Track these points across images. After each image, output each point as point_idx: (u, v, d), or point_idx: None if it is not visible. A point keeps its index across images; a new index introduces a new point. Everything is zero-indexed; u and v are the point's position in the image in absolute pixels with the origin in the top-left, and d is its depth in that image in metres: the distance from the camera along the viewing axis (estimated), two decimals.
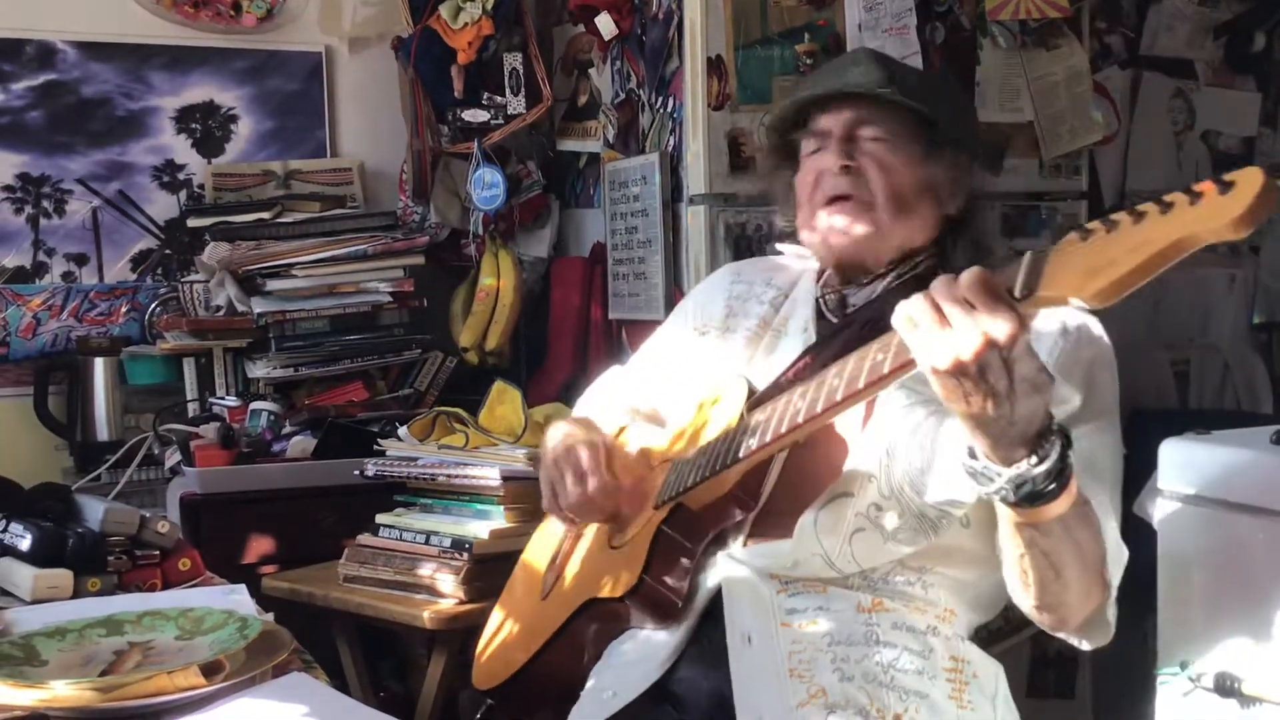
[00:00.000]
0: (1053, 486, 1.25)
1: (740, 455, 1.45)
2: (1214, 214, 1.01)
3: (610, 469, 1.65)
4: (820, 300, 1.69)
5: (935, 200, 1.66)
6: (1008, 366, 1.18)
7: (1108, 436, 1.50)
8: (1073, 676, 2.87)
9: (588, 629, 1.61)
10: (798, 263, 1.78)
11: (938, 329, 1.17)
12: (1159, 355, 3.40)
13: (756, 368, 1.67)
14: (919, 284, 1.54)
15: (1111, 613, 1.45)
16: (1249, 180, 1.00)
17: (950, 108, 1.70)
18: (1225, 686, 1.65)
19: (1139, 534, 1.80)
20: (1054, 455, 1.24)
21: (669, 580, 1.51)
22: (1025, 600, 1.43)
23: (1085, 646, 1.49)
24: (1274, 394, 3.53)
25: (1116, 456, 1.51)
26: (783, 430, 1.39)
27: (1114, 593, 1.45)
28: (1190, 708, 1.70)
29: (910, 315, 1.20)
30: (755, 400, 1.55)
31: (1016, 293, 1.13)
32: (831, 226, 1.65)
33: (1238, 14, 3.45)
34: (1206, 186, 1.02)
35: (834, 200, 1.64)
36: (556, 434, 1.73)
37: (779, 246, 1.83)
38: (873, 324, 1.55)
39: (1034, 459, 1.23)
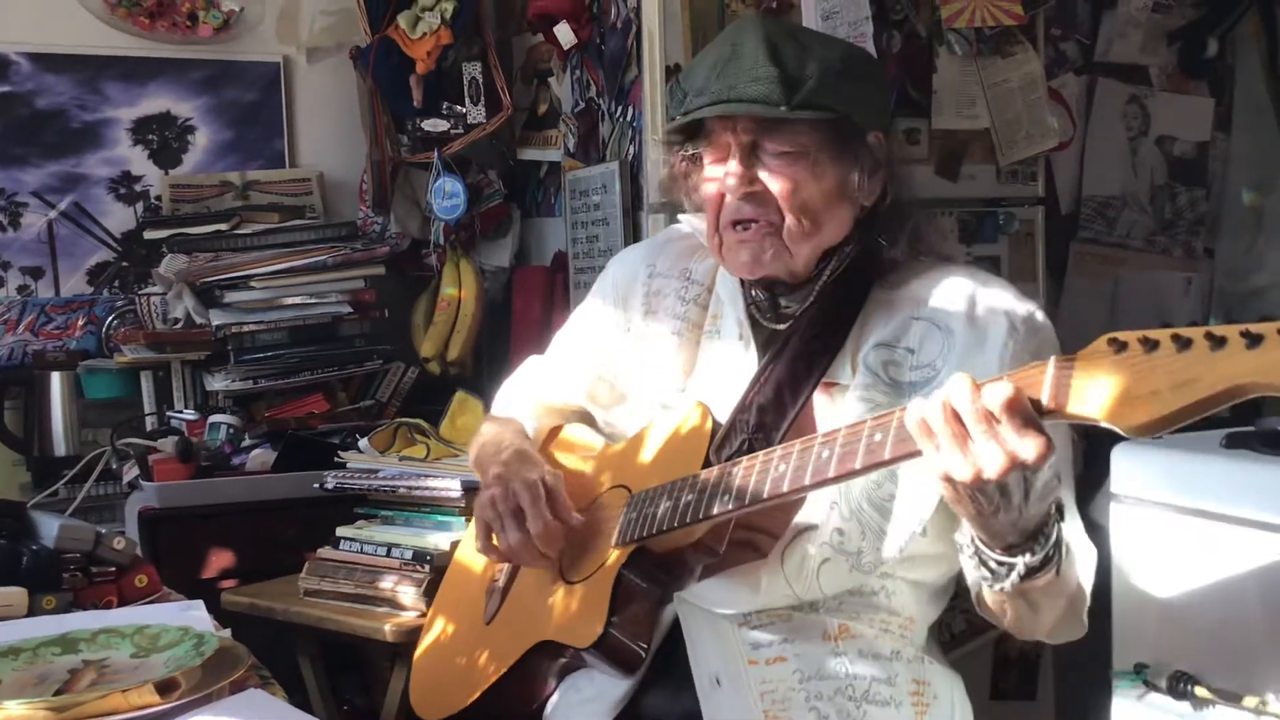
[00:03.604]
0: (1047, 563, 1.25)
1: (715, 513, 1.38)
2: (1277, 366, 0.94)
3: (553, 508, 1.55)
4: (750, 305, 1.59)
5: (849, 201, 1.52)
6: (1027, 482, 1.16)
7: (1060, 432, 1.43)
8: (1035, 678, 2.90)
9: (541, 668, 1.56)
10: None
11: (958, 442, 1.13)
12: None
13: (701, 380, 1.62)
14: (849, 277, 1.53)
15: (1085, 613, 1.45)
16: None
17: (859, 91, 1.50)
18: (1179, 689, 1.67)
19: (1095, 538, 1.81)
20: (1052, 540, 1.23)
21: (633, 631, 1.45)
22: (998, 622, 1.44)
23: (1054, 642, 1.50)
24: None
25: (1068, 445, 1.48)
26: (764, 495, 1.33)
27: (1088, 594, 1.45)
28: (1145, 710, 1.72)
29: (926, 422, 1.15)
30: (720, 438, 1.49)
31: (1044, 404, 1.08)
32: (738, 260, 1.53)
33: (1190, 20, 3.49)
34: (1268, 330, 0.95)
35: (738, 223, 1.52)
36: (491, 466, 1.64)
37: (683, 219, 1.72)
38: (813, 327, 1.53)
39: (1034, 548, 1.23)
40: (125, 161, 3.18)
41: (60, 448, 2.92)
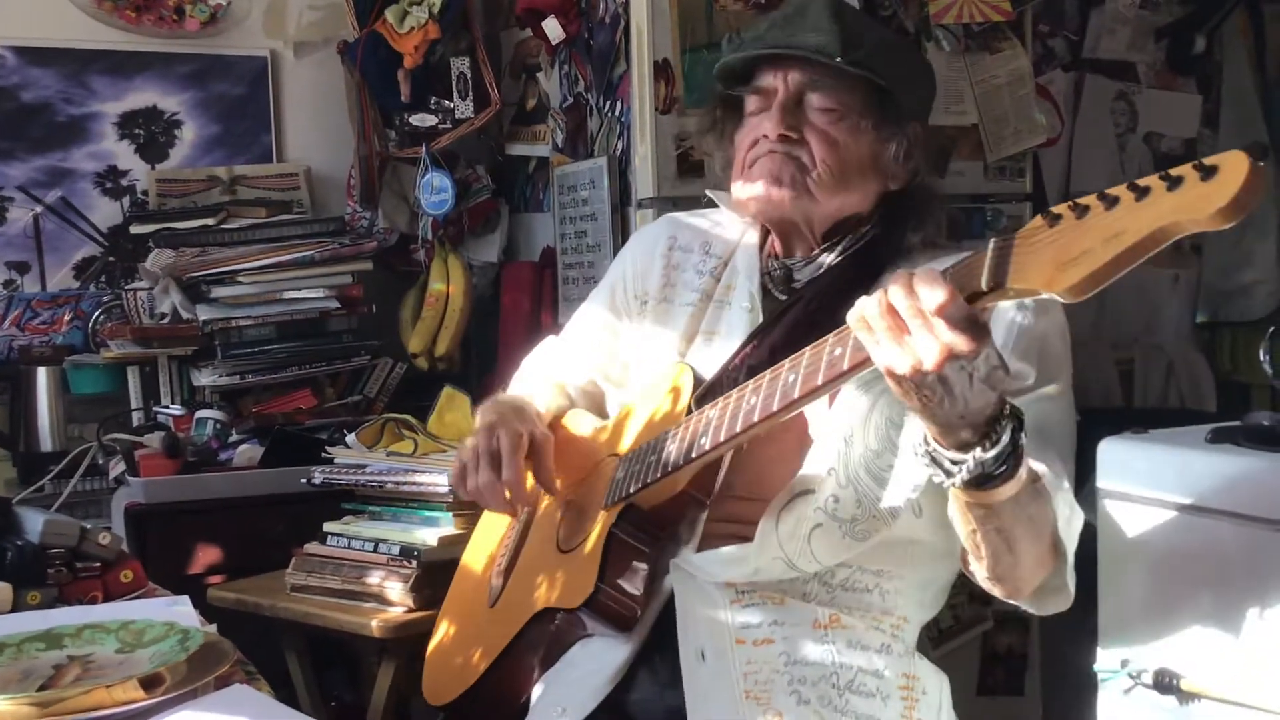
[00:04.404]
0: (1003, 469, 1.23)
1: (694, 455, 1.41)
2: (1196, 202, 0.94)
3: (535, 465, 1.59)
4: (765, 275, 1.61)
5: (879, 174, 1.56)
6: (967, 372, 1.16)
7: (1060, 402, 1.46)
8: (1022, 674, 2.91)
9: (541, 639, 1.57)
10: (735, 225, 1.69)
11: (895, 335, 1.14)
12: (1104, 354, 3.44)
13: (700, 346, 1.63)
14: (864, 257, 1.55)
15: (1071, 579, 1.43)
16: (1234, 165, 0.93)
17: (909, 75, 1.58)
18: (1164, 683, 1.67)
19: (1084, 533, 1.82)
20: (1005, 439, 1.22)
21: (626, 588, 1.47)
22: (979, 572, 1.41)
23: (1041, 612, 1.47)
24: (1217, 392, 3.59)
25: (1068, 422, 1.48)
26: (737, 429, 1.35)
27: (1070, 559, 1.43)
28: (1130, 704, 1.73)
29: (864, 316, 1.17)
30: (704, 390, 1.52)
31: (983, 286, 1.09)
32: (755, 186, 1.55)
33: (1178, 17, 3.50)
34: (1186, 171, 0.95)
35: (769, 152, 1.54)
36: (487, 411, 1.68)
37: (710, 195, 1.74)
38: (819, 299, 1.53)
39: (985, 445, 1.21)
40: (112, 156, 3.17)
41: (46, 443, 2.92)
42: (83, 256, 3.15)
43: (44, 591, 1.66)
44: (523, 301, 3.17)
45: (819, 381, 1.25)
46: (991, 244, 1.10)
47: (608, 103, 2.82)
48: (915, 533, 1.47)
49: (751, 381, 1.36)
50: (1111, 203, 0.99)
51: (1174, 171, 0.96)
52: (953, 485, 1.25)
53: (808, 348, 1.29)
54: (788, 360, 1.31)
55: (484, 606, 1.72)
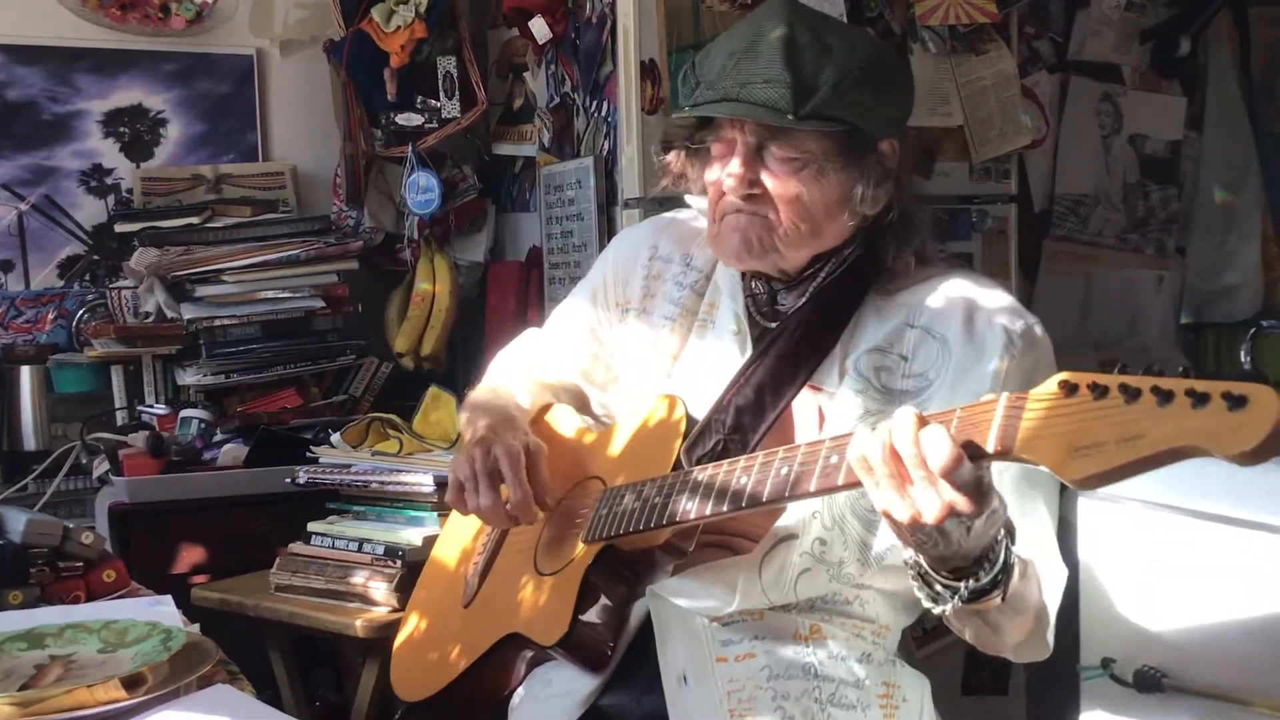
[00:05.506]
0: (994, 586, 1.25)
1: (678, 519, 1.39)
2: (1221, 433, 0.91)
3: (532, 478, 1.56)
4: (749, 297, 1.59)
5: (852, 211, 1.50)
6: (964, 525, 1.16)
7: None
8: (1006, 673, 2.91)
9: (512, 655, 1.57)
10: None
11: (896, 484, 1.13)
12: (1088, 356, 3.45)
13: (687, 367, 1.62)
14: (848, 280, 1.53)
15: (1050, 634, 1.45)
16: (1264, 405, 0.89)
17: (875, 101, 1.47)
18: (1146, 682, 1.68)
19: (1065, 533, 1.82)
20: (999, 563, 1.23)
21: (600, 628, 1.46)
22: (962, 636, 1.44)
23: (1019, 661, 1.50)
24: None
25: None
26: (724, 509, 1.34)
27: (1052, 619, 1.45)
28: (1112, 704, 1.73)
29: (866, 457, 1.14)
30: (694, 436, 1.50)
31: (988, 449, 1.07)
32: (729, 244, 1.52)
33: (1163, 19, 3.50)
34: (1213, 391, 0.92)
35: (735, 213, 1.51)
36: (477, 423, 1.64)
37: (690, 201, 1.70)
38: (803, 328, 1.52)
39: (979, 574, 1.23)
40: (96, 154, 3.16)
41: (30, 442, 2.90)
42: (67, 255, 3.13)
43: (26, 591, 1.66)
44: (509, 301, 3.16)
45: (810, 488, 1.24)
46: (1003, 402, 1.08)
47: (594, 103, 2.82)
48: (896, 557, 1.46)
49: (744, 458, 1.34)
50: (1132, 396, 0.97)
51: (1200, 387, 0.93)
52: (942, 613, 1.26)
53: (803, 444, 1.28)
54: (781, 449, 1.30)
55: (458, 605, 1.71)
